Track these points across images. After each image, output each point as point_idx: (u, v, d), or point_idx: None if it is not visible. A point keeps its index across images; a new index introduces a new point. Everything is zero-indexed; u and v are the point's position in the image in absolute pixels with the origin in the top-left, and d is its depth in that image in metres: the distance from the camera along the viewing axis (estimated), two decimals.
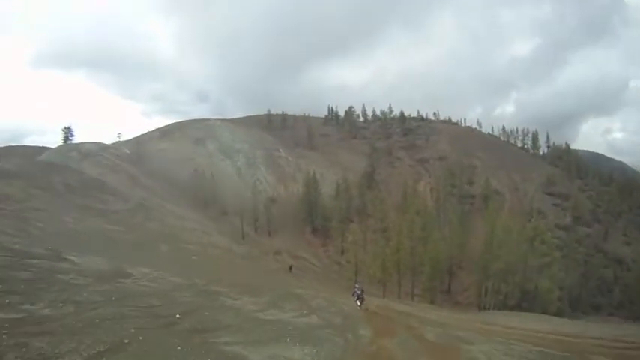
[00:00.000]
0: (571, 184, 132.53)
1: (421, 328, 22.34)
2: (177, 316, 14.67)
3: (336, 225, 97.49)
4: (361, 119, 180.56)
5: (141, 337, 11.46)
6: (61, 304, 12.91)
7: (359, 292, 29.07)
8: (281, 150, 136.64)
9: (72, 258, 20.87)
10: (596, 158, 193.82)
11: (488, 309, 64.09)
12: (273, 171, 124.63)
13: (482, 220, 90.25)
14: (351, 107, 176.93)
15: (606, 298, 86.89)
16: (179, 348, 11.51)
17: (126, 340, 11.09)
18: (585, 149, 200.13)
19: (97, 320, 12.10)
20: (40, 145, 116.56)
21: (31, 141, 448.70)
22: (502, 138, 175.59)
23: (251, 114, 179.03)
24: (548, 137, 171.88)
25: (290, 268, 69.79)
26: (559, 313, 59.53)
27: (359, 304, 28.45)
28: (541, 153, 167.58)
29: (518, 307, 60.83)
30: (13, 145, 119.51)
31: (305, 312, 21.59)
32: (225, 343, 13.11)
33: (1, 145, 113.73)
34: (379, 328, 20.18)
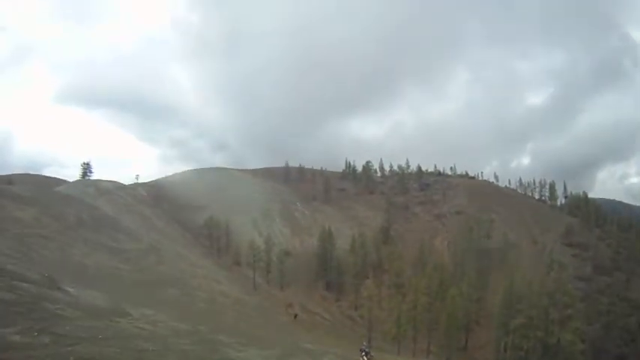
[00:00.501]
0: (590, 233, 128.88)
1: None
2: None
3: (350, 280, 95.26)
4: (378, 174, 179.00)
5: None
6: (35, 334, 11.54)
7: (366, 349, 30.77)
8: (297, 203, 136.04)
9: (68, 289, 19.60)
10: (615, 205, 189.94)
11: None
12: (288, 223, 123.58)
13: (501, 275, 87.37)
14: (368, 162, 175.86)
15: (630, 348, 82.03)
16: None
17: None
18: (603, 197, 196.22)
19: (71, 358, 10.42)
20: (59, 177, 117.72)
21: (50, 172, 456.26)
22: (519, 190, 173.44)
23: (269, 165, 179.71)
24: (565, 187, 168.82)
25: (295, 316, 67.48)
26: None
27: (365, 359, 29.89)
28: (559, 203, 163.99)
29: None
30: (32, 173, 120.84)
31: None
32: None
33: (20, 172, 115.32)
34: None
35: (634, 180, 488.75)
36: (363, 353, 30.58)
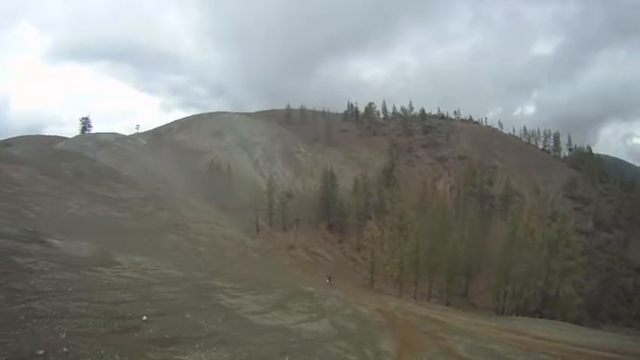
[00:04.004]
0: (592, 188, 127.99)
1: (449, 339, 19.26)
2: (144, 318, 11.67)
3: (353, 221, 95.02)
4: (381, 116, 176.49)
5: (66, 349, 8.37)
6: None
7: (329, 277, 50.35)
8: (299, 144, 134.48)
9: (52, 241, 18.48)
10: (617, 163, 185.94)
11: (507, 314, 61.01)
12: (290, 165, 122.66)
13: (502, 222, 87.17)
14: (371, 104, 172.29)
15: (625, 308, 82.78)
16: None
17: (40, 352, 8.00)
18: (605, 153, 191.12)
19: (22, 317, 9.33)
20: (59, 135, 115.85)
21: (49, 131, 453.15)
22: (523, 139, 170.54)
23: (269, 108, 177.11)
24: (570, 139, 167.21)
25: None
26: (578, 321, 55.95)
27: (328, 281, 47.28)
28: (562, 155, 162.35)
29: (537, 314, 57.48)
30: (31, 134, 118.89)
31: (314, 315, 18.70)
32: None
33: (19, 135, 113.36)
34: (403, 340, 17.04)
35: (638, 141, 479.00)
36: (327, 279, 48.54)
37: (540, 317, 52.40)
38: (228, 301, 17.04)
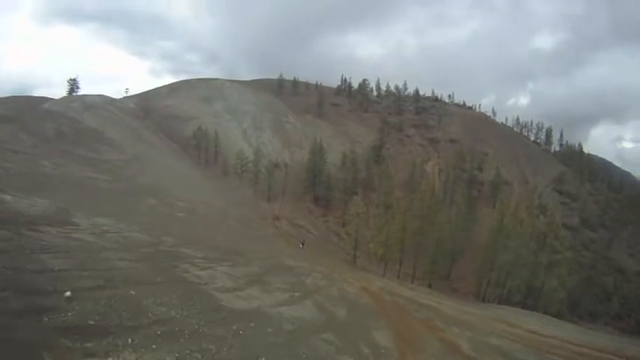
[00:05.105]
0: (580, 185, 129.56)
1: (447, 330, 17.35)
2: (68, 294, 8.51)
3: (338, 196, 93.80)
4: (374, 93, 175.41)
5: None
6: None
7: (302, 242, 60.30)
8: (289, 115, 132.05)
9: (2, 196, 16.10)
10: (605, 164, 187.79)
11: (489, 301, 60.81)
12: (279, 135, 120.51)
13: (489, 208, 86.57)
14: (364, 80, 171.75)
15: (604, 307, 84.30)
16: None
17: None
18: (594, 153, 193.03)
19: None
20: (48, 96, 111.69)
21: (39, 93, 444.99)
22: (515, 129, 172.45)
23: (262, 77, 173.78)
24: (562, 135, 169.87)
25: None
26: (558, 315, 55.64)
27: (301, 246, 57.49)
28: (552, 150, 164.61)
29: (520, 304, 57.04)
30: (19, 95, 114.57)
31: (297, 295, 16.11)
32: None
33: (7, 96, 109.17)
34: (398, 332, 14.88)
35: (627, 145, 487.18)
36: (301, 244, 58.51)
37: (523, 308, 51.73)
38: (195, 274, 14.28)
